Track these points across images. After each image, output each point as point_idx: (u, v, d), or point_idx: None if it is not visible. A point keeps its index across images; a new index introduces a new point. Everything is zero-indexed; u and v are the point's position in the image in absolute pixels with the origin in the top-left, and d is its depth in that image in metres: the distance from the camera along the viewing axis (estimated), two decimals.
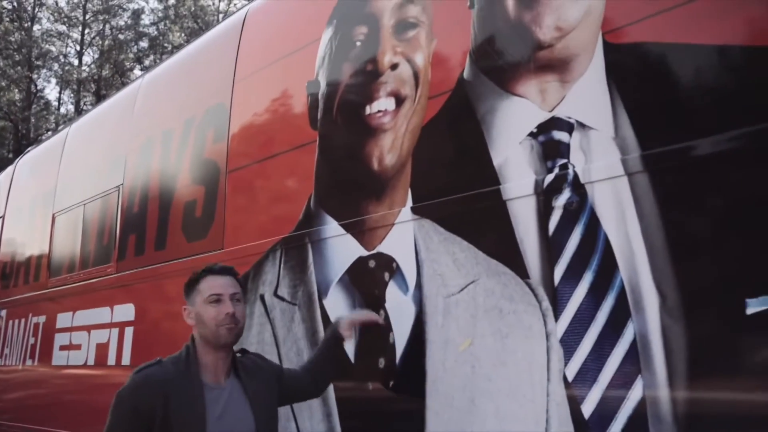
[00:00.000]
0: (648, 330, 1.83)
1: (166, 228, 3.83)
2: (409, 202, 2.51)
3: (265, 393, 2.06)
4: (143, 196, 4.13)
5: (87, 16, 23.92)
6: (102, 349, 4.21)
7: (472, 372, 2.20)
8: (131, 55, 24.09)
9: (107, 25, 24.22)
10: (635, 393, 1.84)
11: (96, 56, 24.36)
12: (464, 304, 2.26)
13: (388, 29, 2.70)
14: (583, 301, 1.98)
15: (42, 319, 5.15)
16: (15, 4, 22.62)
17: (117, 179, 4.44)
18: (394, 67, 2.64)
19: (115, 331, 4.11)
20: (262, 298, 3.04)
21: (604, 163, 1.97)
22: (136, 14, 24.16)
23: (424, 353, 2.35)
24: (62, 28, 23.92)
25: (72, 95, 24.41)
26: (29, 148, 7.05)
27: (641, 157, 1.89)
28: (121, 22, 24.21)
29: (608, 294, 1.92)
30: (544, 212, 2.10)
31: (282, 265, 2.98)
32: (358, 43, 2.82)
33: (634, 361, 1.85)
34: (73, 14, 23.82)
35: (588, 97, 2.05)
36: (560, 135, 2.10)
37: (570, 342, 1.99)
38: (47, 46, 23.53)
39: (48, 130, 21.93)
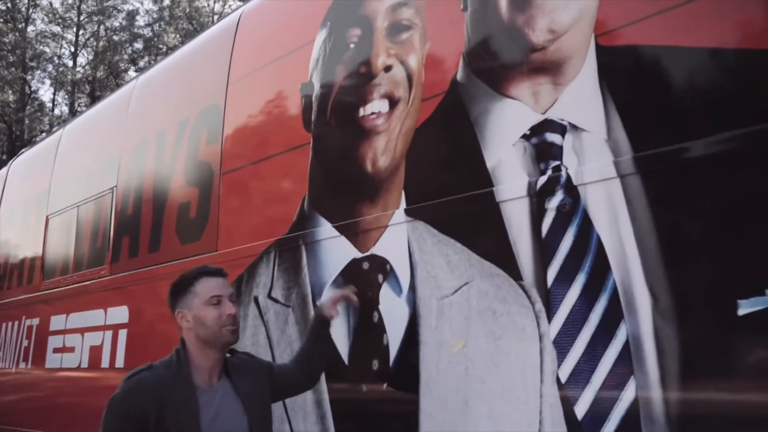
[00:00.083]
0: (640, 331, 1.84)
1: (160, 230, 3.83)
2: (403, 204, 2.51)
3: (257, 392, 2.06)
4: (137, 198, 4.12)
5: (81, 17, 23.86)
6: (96, 351, 4.20)
7: (466, 373, 2.21)
8: (126, 57, 24.03)
9: (102, 27, 24.15)
10: (628, 394, 1.84)
11: (90, 57, 24.30)
12: (458, 306, 2.27)
13: (381, 31, 2.70)
14: (576, 302, 1.98)
15: (35, 321, 5.13)
16: (9, 5, 22.56)
17: (111, 181, 4.43)
18: (387, 69, 2.64)
19: (109, 333, 4.10)
20: (256, 300, 3.04)
21: (596, 165, 1.98)
22: (131, 15, 24.11)
23: (417, 355, 2.35)
24: (56, 29, 23.86)
25: (66, 96, 24.34)
26: (23, 150, 7.03)
27: (633, 159, 1.90)
28: (116, 24, 24.16)
29: (601, 295, 1.93)
30: (537, 214, 2.11)
31: (276, 267, 2.98)
32: (352, 45, 2.82)
33: (627, 363, 1.85)
34: (67, 15, 23.76)
35: (581, 99, 2.06)
36: (553, 137, 2.11)
37: (563, 343, 2.00)
38: (41, 47, 23.46)
39: (42, 132, 21.86)
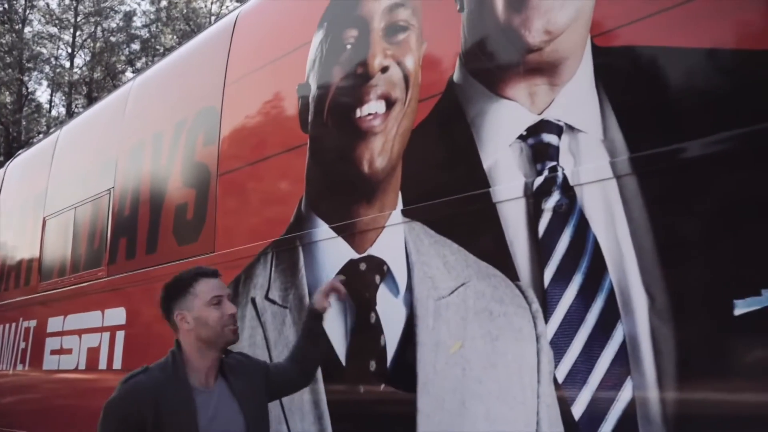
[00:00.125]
0: (637, 331, 1.84)
1: (157, 231, 3.83)
2: (400, 205, 2.51)
3: (253, 392, 2.06)
4: (134, 200, 4.12)
5: (78, 19, 23.83)
6: (93, 353, 4.19)
7: (463, 374, 2.21)
8: (123, 58, 24.00)
9: (99, 28, 24.12)
10: (625, 394, 1.85)
11: (87, 58, 24.26)
12: (455, 307, 2.27)
13: (378, 32, 2.70)
14: (572, 303, 1.99)
15: (33, 323, 5.12)
16: (5, 6, 22.52)
17: (108, 182, 4.43)
18: (384, 70, 2.64)
19: (107, 335, 4.09)
20: (253, 301, 3.04)
21: (593, 165, 1.98)
22: (128, 16, 24.08)
23: (414, 356, 2.35)
24: (53, 30, 23.82)
25: (63, 98, 24.31)
26: (20, 151, 7.02)
27: (630, 159, 1.90)
28: (113, 25, 24.12)
29: (598, 296, 1.93)
30: (533, 215, 2.11)
31: (273, 268, 2.98)
32: (349, 46, 2.82)
33: (624, 363, 1.85)
34: (64, 16, 23.72)
35: (577, 99, 2.06)
36: (549, 138, 2.11)
37: (560, 344, 2.00)
38: (38, 48, 23.42)
39: (39, 133, 21.83)
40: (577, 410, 1.94)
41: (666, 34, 1.89)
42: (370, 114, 2.65)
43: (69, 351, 4.48)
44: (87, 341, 4.30)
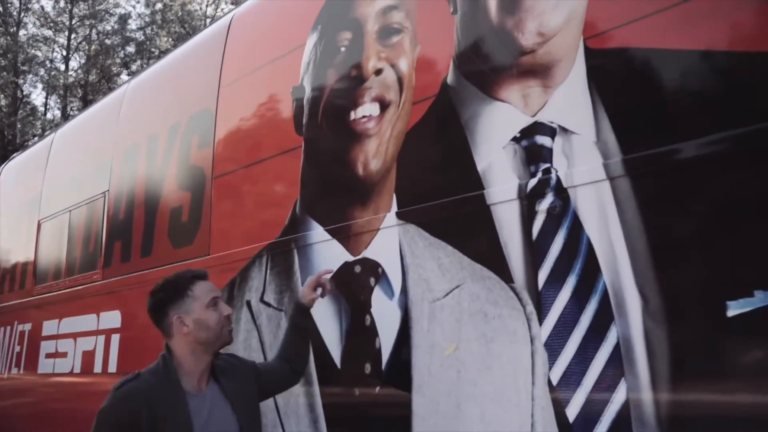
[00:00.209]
0: (631, 333, 1.84)
1: (152, 234, 3.82)
2: (394, 207, 2.51)
3: (245, 393, 2.06)
4: (129, 203, 4.12)
5: (73, 21, 23.77)
6: (88, 356, 4.19)
7: (458, 376, 2.21)
8: (118, 60, 23.95)
9: (94, 30, 24.06)
10: (619, 396, 1.85)
11: (82, 61, 24.21)
12: (449, 309, 2.27)
13: (372, 35, 2.71)
14: (566, 304, 1.99)
15: (28, 326, 5.11)
16: (0, 9, 22.48)
17: (103, 185, 4.42)
18: (378, 72, 2.65)
19: (102, 338, 4.09)
20: (248, 304, 3.04)
21: (586, 167, 1.99)
22: (123, 19, 24.03)
23: (409, 358, 2.35)
24: (48, 33, 23.76)
25: (58, 100, 24.24)
26: (14, 154, 7.01)
27: (623, 161, 1.90)
28: (108, 27, 24.07)
29: (591, 298, 1.93)
30: (527, 216, 2.11)
31: (268, 271, 2.98)
32: (343, 49, 2.82)
33: (618, 364, 1.86)
34: (59, 19, 23.67)
35: (570, 101, 2.07)
36: (543, 140, 2.12)
37: (554, 346, 2.00)
38: (33, 51, 23.36)
39: (34, 136, 21.76)
40: (572, 412, 1.94)
41: (658, 36, 1.90)
42: (364, 116, 2.66)
43: (64, 354, 4.47)
44: (82, 344, 4.29)
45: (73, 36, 24.01)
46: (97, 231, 4.39)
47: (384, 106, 2.60)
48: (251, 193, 3.27)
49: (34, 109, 24.34)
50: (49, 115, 24.32)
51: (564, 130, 2.07)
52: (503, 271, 2.15)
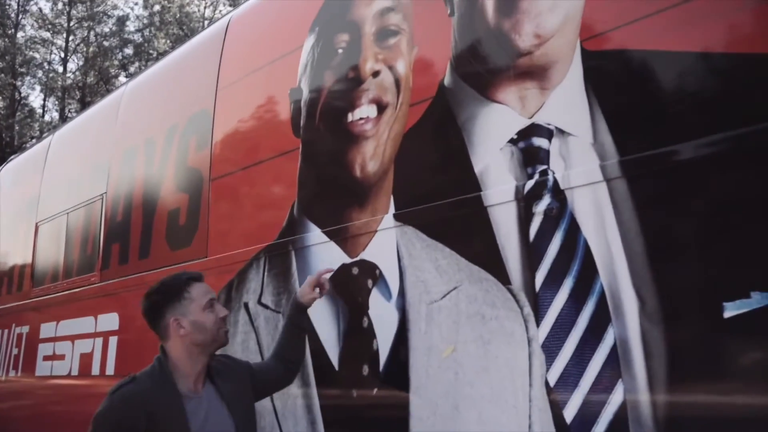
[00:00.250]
0: (628, 334, 1.84)
1: (150, 236, 3.82)
2: (392, 209, 2.52)
3: (240, 393, 2.05)
4: (127, 205, 4.12)
5: (71, 23, 23.77)
6: (86, 358, 4.18)
7: (455, 378, 2.21)
8: (116, 62, 23.95)
9: (92, 32, 24.06)
10: (616, 397, 1.85)
11: (81, 63, 24.21)
12: (447, 311, 2.27)
13: (369, 37, 2.71)
14: (563, 306, 1.99)
15: (25, 329, 5.11)
16: None
17: (100, 188, 4.42)
18: (375, 74, 2.65)
19: (99, 340, 4.08)
20: (246, 306, 3.04)
21: (583, 169, 1.99)
22: (121, 21, 24.04)
23: (407, 360, 2.35)
24: (46, 35, 23.76)
25: (56, 102, 24.24)
26: (12, 157, 7.00)
27: (619, 162, 1.91)
28: (106, 29, 24.07)
29: (588, 299, 1.93)
30: (524, 218, 2.11)
31: (266, 273, 2.98)
32: (340, 51, 2.82)
33: (615, 366, 1.86)
34: (57, 21, 23.67)
35: (567, 103, 2.07)
36: (540, 141, 2.12)
37: (551, 347, 2.00)
38: (31, 53, 23.36)
39: (32, 138, 21.76)
40: (569, 413, 1.94)
41: (654, 37, 1.90)
42: (361, 118, 2.66)
43: (62, 357, 4.47)
44: (80, 347, 4.29)
45: (71, 38, 24.01)
46: (95, 233, 4.38)
47: (381, 107, 2.61)
48: (249, 195, 3.27)
49: (32, 111, 24.33)
50: (47, 117, 24.32)
51: (561, 131, 2.08)
52: (500, 273, 2.16)
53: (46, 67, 23.92)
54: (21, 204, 5.67)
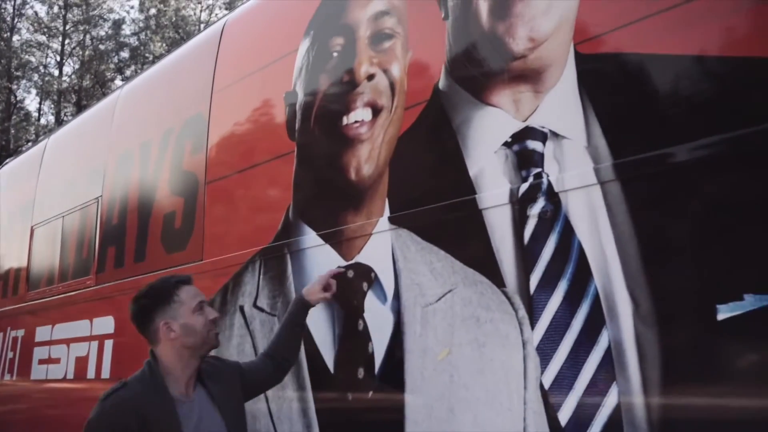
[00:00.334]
0: (622, 337, 1.85)
1: (146, 239, 3.82)
2: (387, 212, 2.52)
3: (230, 394, 2.06)
4: (122, 208, 4.11)
5: (67, 27, 23.77)
6: (82, 362, 4.17)
7: (450, 381, 2.21)
8: (112, 66, 23.96)
9: (88, 36, 24.06)
10: (611, 399, 1.85)
11: (76, 67, 24.20)
12: (442, 314, 2.27)
13: (364, 40, 2.71)
14: (558, 309, 1.99)
15: (21, 332, 5.09)
16: None
17: (96, 191, 4.42)
18: (370, 77, 2.65)
19: (95, 344, 4.07)
20: (241, 309, 3.03)
21: (577, 172, 1.99)
22: (117, 24, 24.05)
23: (402, 362, 2.35)
24: (42, 38, 23.75)
25: (52, 106, 24.23)
26: (8, 160, 6.99)
27: (613, 165, 1.91)
28: (102, 33, 24.08)
29: (583, 302, 1.94)
30: (519, 221, 2.12)
31: (261, 276, 2.97)
32: (335, 54, 2.83)
33: (609, 368, 1.86)
34: (53, 24, 23.66)
35: (561, 106, 2.08)
36: (534, 144, 2.13)
37: (546, 350, 2.01)
38: (27, 56, 23.35)
39: (28, 141, 21.74)
40: (564, 416, 1.94)
41: (648, 40, 1.91)
42: (356, 121, 2.66)
43: (57, 360, 4.46)
44: (75, 350, 4.28)
45: (66, 41, 24.00)
46: (91, 236, 4.38)
47: (376, 111, 2.61)
48: (244, 198, 3.27)
49: (27, 114, 24.31)
50: (42, 121, 24.29)
51: (555, 134, 2.08)
52: (495, 276, 2.16)
53: (42, 71, 23.91)
54: (16, 207, 5.66)
